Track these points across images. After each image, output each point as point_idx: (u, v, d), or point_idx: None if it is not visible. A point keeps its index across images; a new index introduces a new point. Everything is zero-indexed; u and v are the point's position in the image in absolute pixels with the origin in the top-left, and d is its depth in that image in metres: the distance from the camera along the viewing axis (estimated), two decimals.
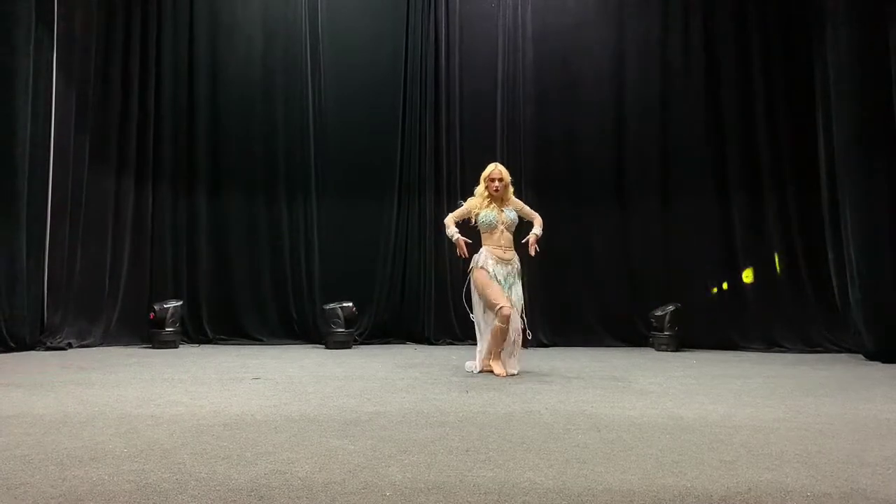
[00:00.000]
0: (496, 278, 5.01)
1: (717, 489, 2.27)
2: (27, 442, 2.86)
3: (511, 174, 5.28)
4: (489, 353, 5.08)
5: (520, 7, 7.98)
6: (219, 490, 2.23)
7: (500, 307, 4.88)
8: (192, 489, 2.23)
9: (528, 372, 5.32)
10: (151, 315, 7.12)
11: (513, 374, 4.98)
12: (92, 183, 7.38)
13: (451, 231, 5.28)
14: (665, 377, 5.10)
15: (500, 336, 4.93)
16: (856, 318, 6.50)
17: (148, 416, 3.43)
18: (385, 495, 2.19)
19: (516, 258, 5.21)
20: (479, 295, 5.09)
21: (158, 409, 3.63)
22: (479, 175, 5.31)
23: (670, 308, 7.15)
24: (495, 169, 5.26)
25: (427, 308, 7.85)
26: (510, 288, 5.06)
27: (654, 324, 7.21)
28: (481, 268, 5.03)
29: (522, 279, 5.21)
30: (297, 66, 7.99)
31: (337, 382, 4.66)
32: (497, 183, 5.20)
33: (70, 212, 7.17)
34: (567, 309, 7.76)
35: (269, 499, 2.15)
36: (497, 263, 5.06)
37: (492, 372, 5.03)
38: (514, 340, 5.03)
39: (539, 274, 7.70)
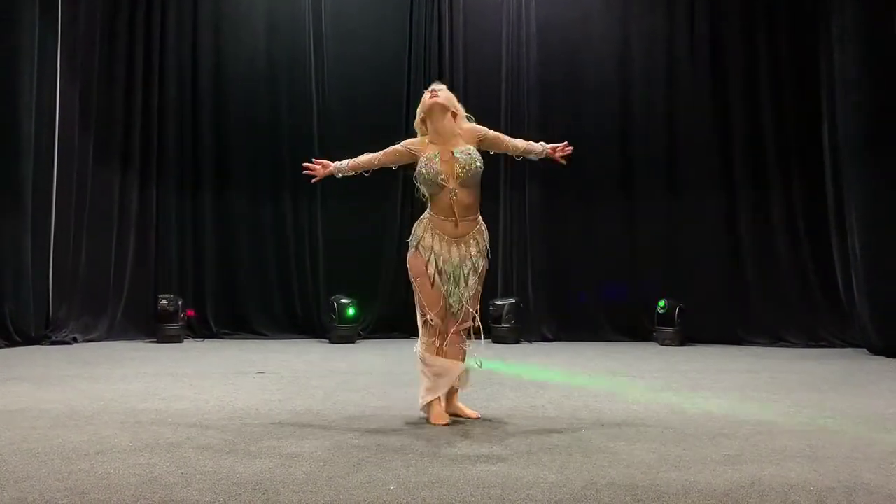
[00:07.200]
0: (440, 270, 3.27)
1: (721, 483, 2.27)
2: (33, 436, 2.87)
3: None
4: (431, 392, 3.24)
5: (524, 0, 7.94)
6: (224, 483, 2.24)
7: (427, 320, 3.28)
8: (198, 483, 2.25)
9: (531, 366, 5.32)
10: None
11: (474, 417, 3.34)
12: (96, 179, 7.38)
13: (342, 164, 3.74)
14: (669, 371, 5.10)
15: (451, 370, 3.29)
16: (861, 313, 6.48)
17: (153, 410, 3.45)
18: (389, 489, 2.20)
19: (480, 230, 3.38)
20: (414, 288, 3.39)
21: (163, 403, 3.65)
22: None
23: (673, 302, 7.13)
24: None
25: None
26: (462, 282, 3.29)
27: (659, 318, 7.20)
28: (417, 250, 3.32)
29: (487, 255, 3.41)
30: (300, 60, 7.95)
31: (341, 377, 4.67)
32: (437, 91, 3.48)
33: (75, 207, 7.17)
34: (571, 303, 7.74)
35: (274, 492, 2.16)
36: (444, 245, 3.29)
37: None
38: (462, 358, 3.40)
39: (544, 268, 7.69)
